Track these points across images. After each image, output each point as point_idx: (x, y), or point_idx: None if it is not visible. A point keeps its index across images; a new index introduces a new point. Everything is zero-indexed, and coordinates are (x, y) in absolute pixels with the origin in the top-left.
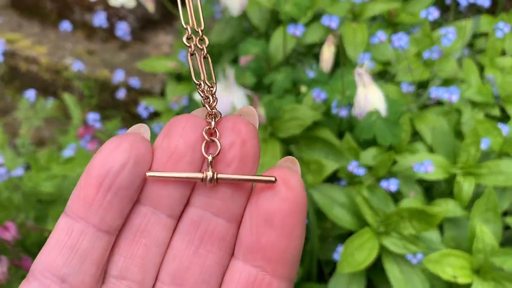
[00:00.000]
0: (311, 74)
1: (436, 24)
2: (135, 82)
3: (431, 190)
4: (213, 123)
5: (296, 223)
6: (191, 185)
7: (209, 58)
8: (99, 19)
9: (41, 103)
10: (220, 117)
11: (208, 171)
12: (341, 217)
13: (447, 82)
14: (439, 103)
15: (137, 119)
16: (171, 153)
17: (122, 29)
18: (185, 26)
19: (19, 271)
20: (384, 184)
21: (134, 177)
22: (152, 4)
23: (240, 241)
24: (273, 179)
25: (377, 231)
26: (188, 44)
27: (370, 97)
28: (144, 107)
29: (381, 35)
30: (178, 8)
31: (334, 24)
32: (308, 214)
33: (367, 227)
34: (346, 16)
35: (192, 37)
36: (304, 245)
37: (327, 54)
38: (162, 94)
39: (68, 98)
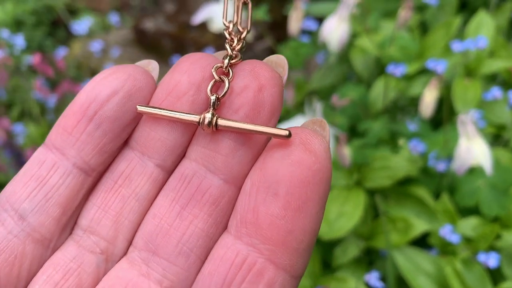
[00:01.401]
0: (412, 126)
1: None
2: None
3: None
4: (226, 61)
5: (309, 198)
6: (190, 131)
7: (250, 4)
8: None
9: None
10: (240, 59)
11: (208, 112)
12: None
13: None
14: None
15: None
16: (171, 89)
17: None
18: None
19: None
20: (482, 257)
21: (124, 111)
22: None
23: (235, 209)
24: (286, 133)
25: None
26: None
27: (473, 151)
28: None
29: (496, 92)
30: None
31: (440, 68)
32: (388, 278)
33: None
34: (456, 68)
35: None
36: None
37: (429, 98)
38: None
39: None
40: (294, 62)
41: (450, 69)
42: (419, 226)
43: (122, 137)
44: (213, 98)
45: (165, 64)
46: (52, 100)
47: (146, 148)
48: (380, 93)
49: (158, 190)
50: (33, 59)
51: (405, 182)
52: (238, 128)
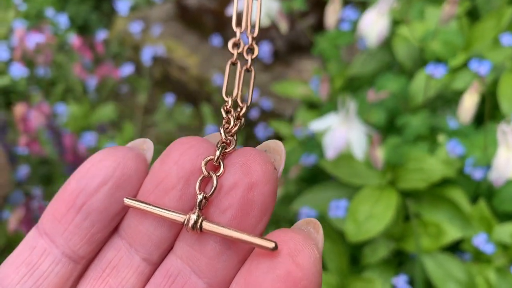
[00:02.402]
0: (453, 123)
1: None
2: (266, 104)
3: None
4: (217, 152)
5: None
6: (177, 227)
7: (253, 72)
8: (246, 38)
9: (179, 109)
10: (234, 148)
11: (194, 213)
12: None
13: None
14: None
15: (253, 140)
16: (159, 182)
17: (265, 51)
18: (235, 29)
19: None
20: None
21: (112, 201)
22: (286, 24)
23: None
24: (271, 245)
25: None
26: (232, 51)
27: None
28: (264, 127)
29: None
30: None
31: (483, 70)
32: (416, 282)
33: None
34: (505, 63)
35: (240, 43)
36: None
37: (469, 103)
38: (293, 118)
39: (205, 109)
40: (331, 53)
41: (499, 63)
42: (452, 233)
43: (111, 226)
44: (200, 197)
45: (205, 41)
46: (92, 82)
47: (133, 240)
48: (422, 85)
49: (143, 283)
50: (74, 42)
51: (441, 184)
52: (223, 234)
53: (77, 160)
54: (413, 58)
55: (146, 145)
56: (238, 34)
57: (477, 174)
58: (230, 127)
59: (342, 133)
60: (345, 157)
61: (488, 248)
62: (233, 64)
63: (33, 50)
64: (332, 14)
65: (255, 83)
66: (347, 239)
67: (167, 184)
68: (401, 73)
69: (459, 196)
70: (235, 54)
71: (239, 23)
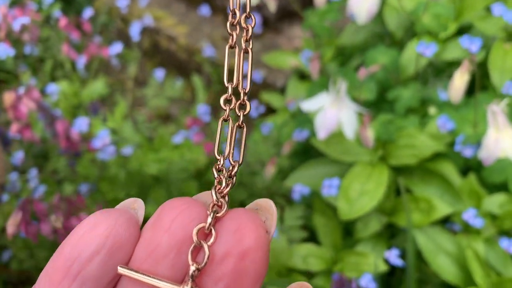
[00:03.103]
0: (443, 95)
1: None
2: (257, 76)
3: None
4: (209, 219)
5: None
6: None
7: (245, 128)
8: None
9: (170, 82)
10: (226, 211)
11: (187, 285)
12: (445, 267)
13: None
14: None
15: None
16: (152, 250)
17: (256, 22)
18: (226, 85)
19: None
20: (504, 243)
21: (106, 269)
22: (275, 3)
23: None
24: None
25: None
26: (224, 107)
27: (502, 143)
28: (256, 105)
29: None
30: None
31: (475, 47)
32: (407, 256)
33: None
34: (497, 35)
35: (231, 99)
36: (398, 286)
37: (459, 82)
38: (284, 89)
39: (197, 81)
40: (321, 30)
41: (490, 34)
42: (443, 209)
43: None
44: (192, 268)
45: (193, 10)
46: (81, 60)
47: None
48: (413, 56)
49: None
50: (60, 21)
51: (432, 158)
52: None
53: (71, 145)
54: (404, 28)
55: (136, 204)
56: (230, 89)
57: (467, 152)
58: (222, 188)
59: (333, 113)
60: (336, 135)
61: (477, 222)
62: (225, 120)
63: (18, 31)
64: None
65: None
66: (340, 217)
67: (159, 253)
68: (392, 45)
69: (449, 169)
70: (227, 110)
71: (230, 79)
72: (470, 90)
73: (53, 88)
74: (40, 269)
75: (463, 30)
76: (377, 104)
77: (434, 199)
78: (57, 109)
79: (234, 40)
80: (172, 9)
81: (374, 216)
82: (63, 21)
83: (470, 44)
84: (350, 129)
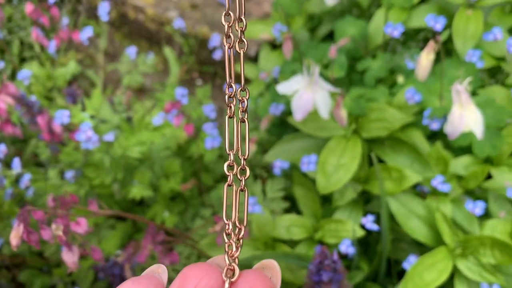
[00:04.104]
0: (411, 64)
1: None
2: None
3: None
4: (226, 285)
5: None
6: None
7: (247, 192)
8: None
9: (142, 58)
10: (238, 275)
11: None
12: (417, 229)
13: None
14: None
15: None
16: None
17: None
18: (228, 152)
19: (89, 261)
20: (469, 206)
21: None
22: None
23: None
24: None
25: (453, 253)
26: (227, 173)
27: (466, 119)
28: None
29: (497, 32)
30: None
31: (439, 25)
32: (382, 221)
33: (443, 247)
34: (462, 3)
35: (233, 165)
36: (375, 246)
37: (425, 62)
38: (257, 58)
39: (168, 53)
40: (292, 8)
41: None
42: (413, 177)
43: None
44: None
45: None
46: (52, 45)
47: None
48: (381, 25)
49: None
50: (26, 8)
51: (402, 127)
52: None
53: (54, 137)
54: None
55: (161, 269)
56: (231, 156)
57: (435, 125)
58: (233, 252)
59: (309, 96)
60: (312, 113)
61: (444, 187)
62: (229, 186)
63: None
64: None
65: (217, 19)
66: (318, 192)
67: None
68: (360, 15)
69: (418, 137)
70: (231, 176)
71: (231, 146)
72: (437, 57)
73: (25, 74)
74: (32, 253)
75: None
76: (348, 75)
77: (404, 168)
78: (32, 96)
79: (233, 111)
80: None
81: (350, 185)
82: (29, 8)
83: (435, 23)
84: (325, 110)
